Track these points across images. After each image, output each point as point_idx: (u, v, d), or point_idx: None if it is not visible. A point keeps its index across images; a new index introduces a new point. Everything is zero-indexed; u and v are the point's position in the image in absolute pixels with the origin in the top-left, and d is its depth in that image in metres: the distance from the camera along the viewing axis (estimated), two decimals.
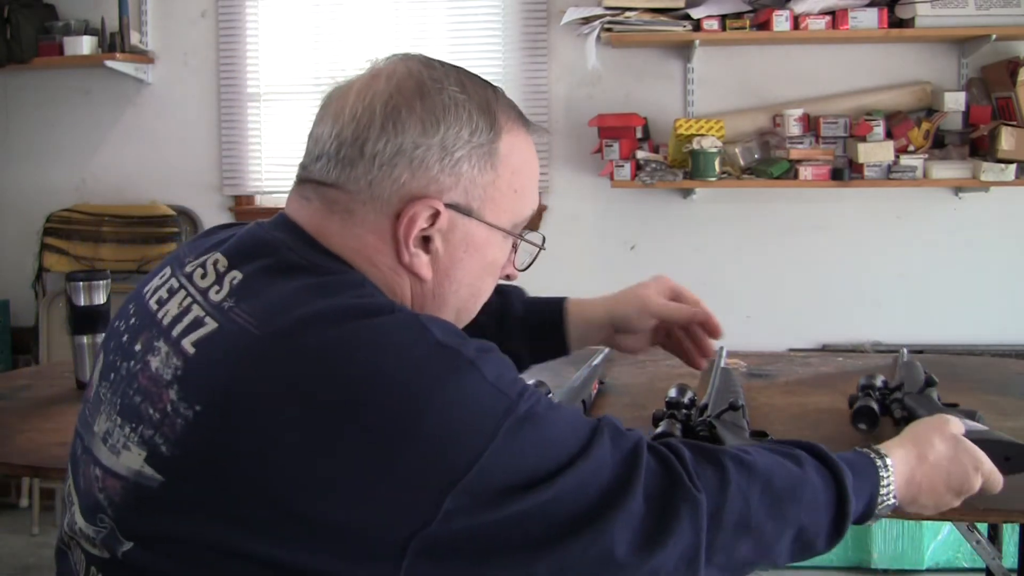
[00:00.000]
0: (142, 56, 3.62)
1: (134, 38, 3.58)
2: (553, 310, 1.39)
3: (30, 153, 3.78)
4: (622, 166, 3.26)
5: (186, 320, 0.86)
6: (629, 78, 3.47)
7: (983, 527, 2.05)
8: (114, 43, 3.53)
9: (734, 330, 3.84)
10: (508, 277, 1.03)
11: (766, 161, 3.31)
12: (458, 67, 0.96)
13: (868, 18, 3.14)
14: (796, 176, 3.22)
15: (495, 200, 0.93)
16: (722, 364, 1.86)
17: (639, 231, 3.53)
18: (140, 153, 3.71)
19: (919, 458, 1.03)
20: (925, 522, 2.83)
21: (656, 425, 1.45)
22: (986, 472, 1.06)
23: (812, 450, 0.97)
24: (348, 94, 0.92)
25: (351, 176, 0.89)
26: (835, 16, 3.16)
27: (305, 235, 0.91)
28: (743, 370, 1.94)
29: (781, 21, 3.13)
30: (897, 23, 3.18)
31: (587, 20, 3.27)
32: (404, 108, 0.89)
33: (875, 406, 1.49)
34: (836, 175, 3.20)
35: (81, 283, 1.88)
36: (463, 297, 0.96)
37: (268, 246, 0.90)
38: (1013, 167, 3.11)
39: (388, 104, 0.89)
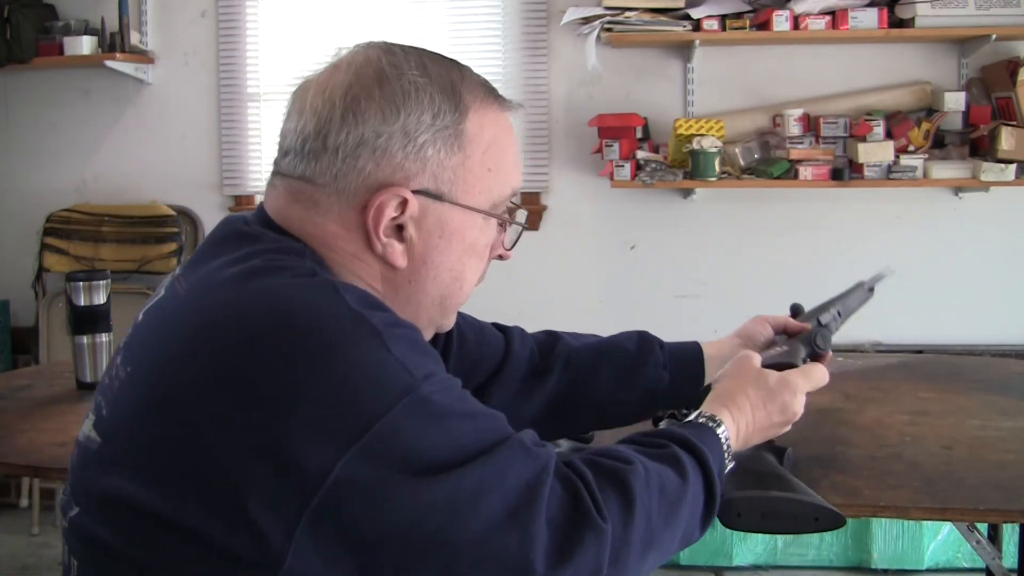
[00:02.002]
0: (142, 56, 3.62)
1: (134, 38, 3.58)
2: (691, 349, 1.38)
3: (30, 153, 3.78)
4: (622, 166, 3.26)
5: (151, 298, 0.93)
6: (629, 78, 3.47)
7: (983, 527, 2.05)
8: (114, 43, 3.52)
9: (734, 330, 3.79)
10: (500, 258, 1.00)
11: (766, 161, 3.31)
12: (421, 49, 0.95)
13: (868, 18, 3.14)
14: (796, 176, 3.22)
15: (467, 181, 0.91)
16: None
17: (639, 231, 3.53)
18: (140, 153, 3.71)
19: (740, 410, 1.05)
20: (925, 522, 2.84)
21: (656, 425, 1.45)
22: (805, 389, 1.10)
23: (682, 442, 0.96)
24: (310, 88, 0.91)
25: (317, 170, 0.89)
26: (835, 16, 3.16)
27: (266, 216, 0.93)
28: None
29: (781, 21, 3.13)
30: (897, 23, 3.18)
31: (587, 20, 3.27)
32: (363, 97, 0.88)
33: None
34: (836, 175, 3.20)
35: (81, 283, 1.89)
36: (444, 282, 0.94)
37: (230, 223, 0.94)
38: (1013, 167, 3.11)
39: (347, 95, 0.88)
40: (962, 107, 3.22)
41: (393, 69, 0.90)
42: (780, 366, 1.14)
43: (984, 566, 2.13)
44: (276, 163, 0.94)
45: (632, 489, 0.86)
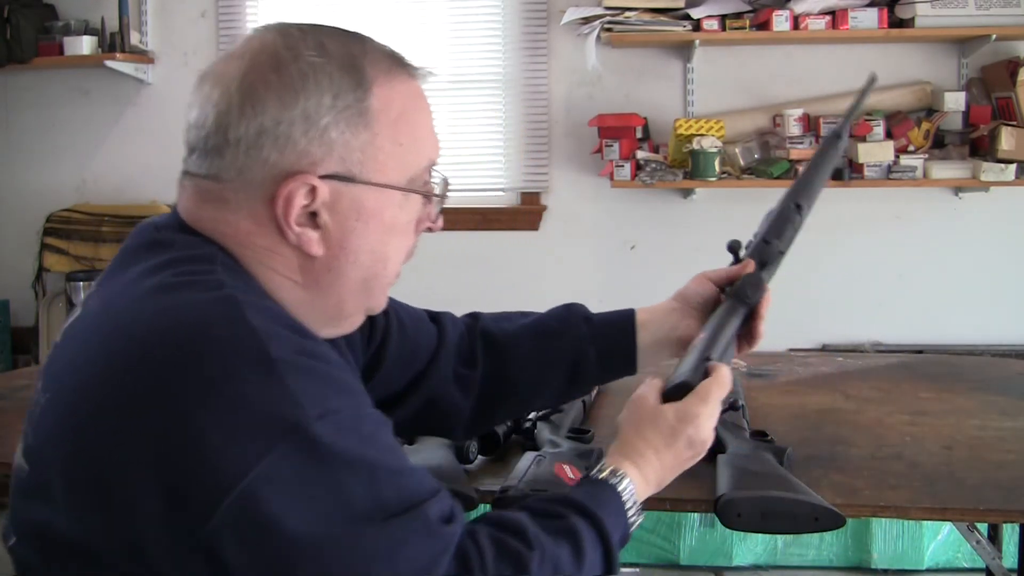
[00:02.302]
0: (142, 56, 3.62)
1: (134, 38, 3.58)
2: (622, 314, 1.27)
3: (30, 153, 3.78)
4: (622, 166, 3.26)
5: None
6: (629, 78, 3.47)
7: (983, 527, 2.05)
8: (114, 43, 3.52)
9: None
10: (430, 230, 0.96)
11: (766, 161, 3.31)
12: (321, 27, 0.91)
13: (868, 18, 3.14)
14: (796, 176, 3.22)
15: (378, 159, 0.87)
16: None
17: (639, 231, 3.53)
18: (140, 153, 3.70)
19: (643, 458, 1.00)
20: (925, 522, 2.84)
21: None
22: (709, 412, 1.02)
23: (581, 510, 0.92)
24: (207, 80, 0.88)
25: (221, 166, 0.86)
26: (835, 16, 3.16)
27: (179, 219, 0.90)
28: (743, 370, 1.94)
29: (781, 21, 3.13)
30: (897, 23, 3.18)
31: (587, 20, 3.27)
32: (260, 85, 0.84)
33: None
34: (836, 175, 3.20)
35: (81, 283, 1.89)
36: (366, 265, 0.89)
37: (142, 231, 0.91)
38: (1013, 167, 3.11)
39: (243, 84, 0.84)
40: (962, 107, 3.22)
41: (289, 52, 0.85)
42: (680, 389, 1.04)
43: (984, 566, 2.13)
44: (185, 162, 0.91)
45: (529, 570, 0.83)
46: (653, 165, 3.26)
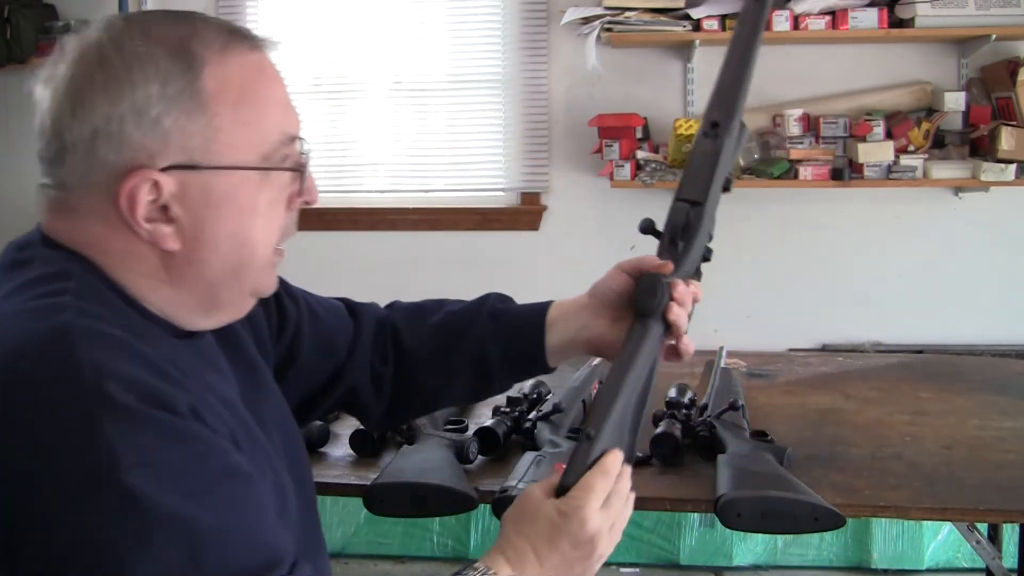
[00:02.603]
0: None
1: None
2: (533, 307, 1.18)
3: (30, 153, 3.75)
4: (622, 166, 3.26)
5: None
6: (629, 78, 3.47)
7: (983, 527, 2.05)
8: None
9: (734, 330, 3.85)
10: (308, 204, 0.92)
11: (766, 161, 3.31)
12: (149, 13, 0.87)
13: (868, 18, 3.14)
14: (796, 176, 3.22)
15: (222, 141, 0.82)
16: (722, 364, 1.86)
17: (639, 231, 3.52)
18: None
19: (523, 559, 0.89)
20: (925, 522, 2.84)
21: (656, 425, 1.45)
22: (595, 505, 0.90)
23: None
24: (39, 86, 0.84)
25: (64, 173, 0.83)
26: (835, 16, 3.16)
27: (42, 233, 0.88)
28: (743, 370, 1.94)
29: (781, 21, 3.13)
30: (897, 23, 3.18)
31: (587, 20, 3.27)
32: (86, 85, 0.80)
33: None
34: (836, 175, 3.20)
35: None
36: (228, 252, 0.84)
37: (6, 251, 0.89)
38: (1013, 167, 3.11)
39: (71, 86, 0.81)
40: (962, 107, 3.22)
41: (112, 44, 0.81)
42: (563, 483, 0.92)
43: (984, 566, 2.13)
44: (42, 174, 0.88)
45: None
46: (653, 165, 3.25)
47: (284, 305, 1.09)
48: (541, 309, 1.15)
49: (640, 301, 1.00)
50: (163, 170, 0.81)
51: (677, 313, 1.02)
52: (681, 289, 1.03)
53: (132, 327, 0.79)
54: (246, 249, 0.86)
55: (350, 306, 1.19)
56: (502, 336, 1.14)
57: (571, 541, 0.89)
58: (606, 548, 0.91)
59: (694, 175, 1.06)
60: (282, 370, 1.08)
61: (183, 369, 0.80)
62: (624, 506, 0.94)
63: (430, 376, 1.16)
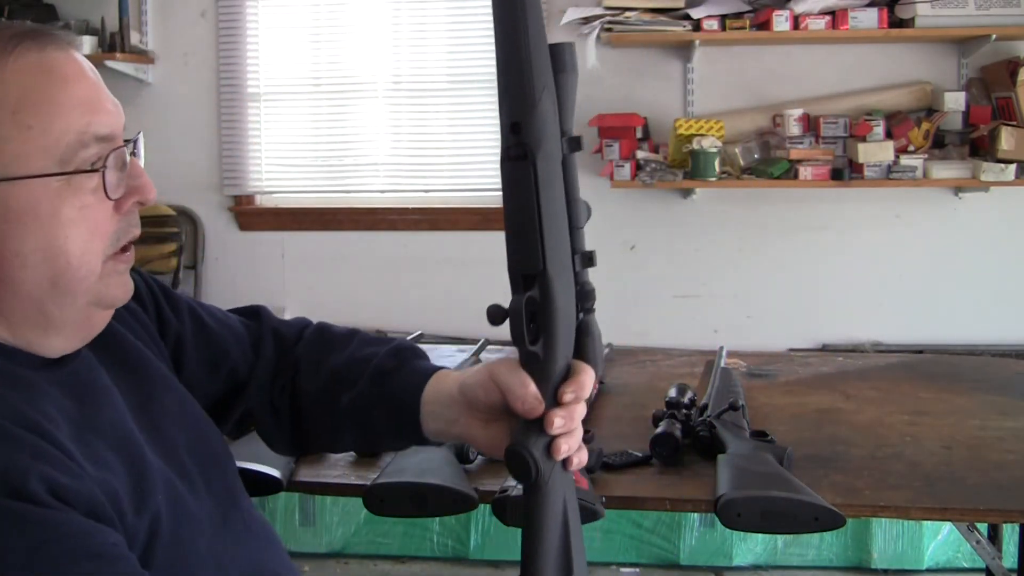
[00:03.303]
0: (142, 56, 3.62)
1: (134, 38, 3.58)
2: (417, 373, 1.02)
3: None
4: (622, 166, 3.26)
5: None
6: (629, 78, 3.47)
7: (983, 527, 2.05)
8: (114, 43, 3.52)
9: (734, 330, 3.85)
10: (142, 204, 0.86)
11: (766, 161, 3.31)
12: None
13: (868, 18, 3.14)
14: (796, 176, 3.22)
15: (8, 152, 0.77)
16: (722, 364, 1.86)
17: (639, 231, 3.52)
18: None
19: None
20: (925, 522, 2.84)
21: (656, 425, 1.45)
22: None
23: None
24: None
25: None
26: (835, 16, 3.16)
27: None
28: (743, 370, 1.94)
29: (781, 21, 3.13)
30: (897, 23, 3.18)
31: (587, 20, 3.27)
32: None
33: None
34: (836, 175, 3.20)
35: None
36: (41, 265, 0.79)
37: None
38: (1013, 167, 3.11)
39: None
40: (962, 107, 3.22)
41: None
42: None
43: (984, 566, 2.13)
44: None
45: None
46: (653, 165, 3.26)
47: (164, 315, 1.03)
48: (419, 385, 1.00)
49: (518, 478, 0.82)
50: None
51: (563, 449, 0.83)
52: (558, 421, 0.82)
53: None
54: (60, 261, 0.80)
55: (256, 328, 1.11)
56: (382, 402, 1.02)
57: None
58: None
59: (515, 231, 0.80)
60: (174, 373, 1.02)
61: (47, 412, 0.76)
62: None
63: (317, 424, 1.07)
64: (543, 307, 0.80)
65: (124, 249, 0.85)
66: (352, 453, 1.47)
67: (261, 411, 1.09)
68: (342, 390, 1.04)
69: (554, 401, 0.83)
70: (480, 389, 0.90)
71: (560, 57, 0.79)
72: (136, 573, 0.72)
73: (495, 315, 0.81)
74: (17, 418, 0.73)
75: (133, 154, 0.87)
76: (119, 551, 0.72)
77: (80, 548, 0.69)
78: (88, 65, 0.84)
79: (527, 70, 0.77)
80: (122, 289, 0.86)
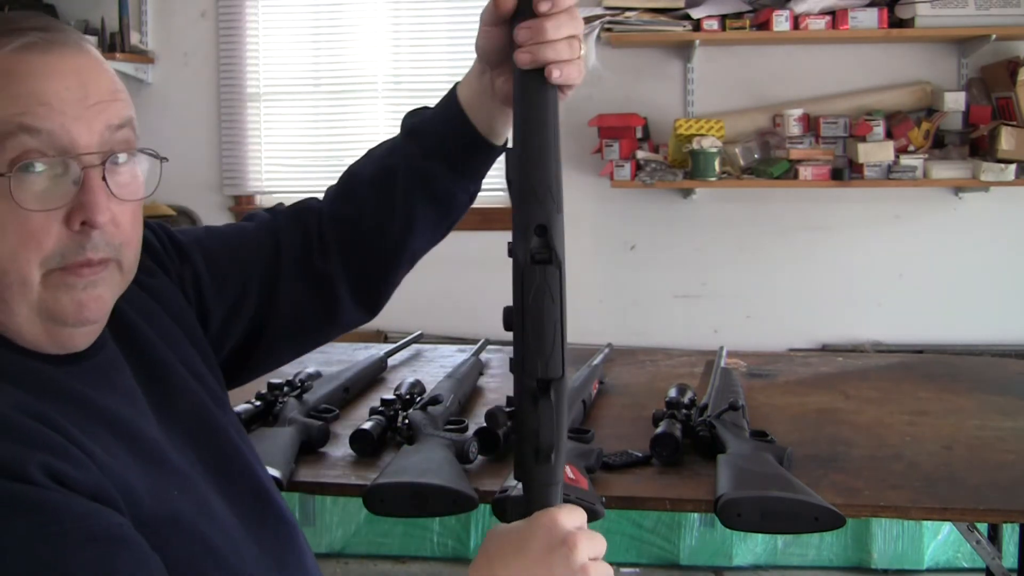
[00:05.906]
0: (142, 56, 3.62)
1: (134, 38, 3.58)
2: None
3: None
4: (622, 166, 3.26)
5: None
6: (629, 78, 3.47)
7: (983, 527, 2.05)
8: (114, 43, 3.53)
9: (734, 330, 3.84)
10: (90, 225, 0.78)
11: (766, 161, 3.31)
12: None
13: (868, 18, 3.14)
14: (796, 176, 3.22)
15: None
16: (722, 364, 1.86)
17: (639, 231, 3.53)
18: None
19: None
20: (925, 522, 2.84)
21: (656, 425, 1.45)
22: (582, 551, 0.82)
23: None
24: None
25: None
26: (835, 16, 3.16)
27: None
28: (743, 370, 1.94)
29: (781, 21, 3.13)
30: (897, 23, 3.18)
31: (587, 20, 3.27)
32: None
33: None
34: (836, 175, 3.21)
35: None
36: None
37: None
38: (1013, 167, 3.11)
39: None
40: (962, 107, 3.22)
41: None
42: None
43: (984, 566, 2.13)
44: None
45: None
46: (653, 165, 3.26)
47: (178, 270, 1.00)
48: (451, 99, 1.04)
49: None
50: None
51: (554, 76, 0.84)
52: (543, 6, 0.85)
53: None
54: (11, 263, 0.76)
55: (268, 217, 1.09)
56: (431, 145, 1.03)
57: (541, 543, 0.81)
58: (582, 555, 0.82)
59: (536, 335, 0.78)
60: (207, 327, 1.01)
61: (59, 406, 0.74)
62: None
63: (386, 224, 1.05)
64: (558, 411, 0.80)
65: (81, 265, 0.78)
66: (352, 453, 1.47)
67: (308, 286, 1.05)
68: (391, 177, 1.04)
69: None
70: (485, 43, 0.96)
71: None
72: (140, 555, 0.71)
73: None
74: (22, 408, 0.72)
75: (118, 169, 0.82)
76: (123, 531, 0.71)
77: (80, 529, 0.68)
78: (78, 68, 0.79)
79: (555, 172, 0.78)
80: (73, 306, 0.78)
